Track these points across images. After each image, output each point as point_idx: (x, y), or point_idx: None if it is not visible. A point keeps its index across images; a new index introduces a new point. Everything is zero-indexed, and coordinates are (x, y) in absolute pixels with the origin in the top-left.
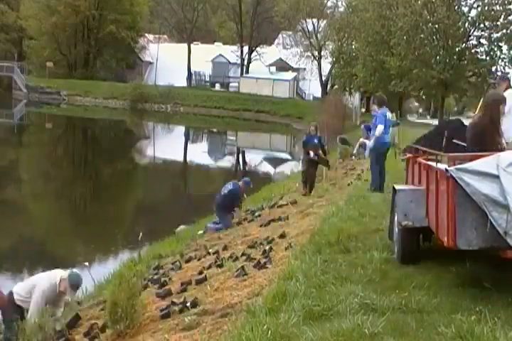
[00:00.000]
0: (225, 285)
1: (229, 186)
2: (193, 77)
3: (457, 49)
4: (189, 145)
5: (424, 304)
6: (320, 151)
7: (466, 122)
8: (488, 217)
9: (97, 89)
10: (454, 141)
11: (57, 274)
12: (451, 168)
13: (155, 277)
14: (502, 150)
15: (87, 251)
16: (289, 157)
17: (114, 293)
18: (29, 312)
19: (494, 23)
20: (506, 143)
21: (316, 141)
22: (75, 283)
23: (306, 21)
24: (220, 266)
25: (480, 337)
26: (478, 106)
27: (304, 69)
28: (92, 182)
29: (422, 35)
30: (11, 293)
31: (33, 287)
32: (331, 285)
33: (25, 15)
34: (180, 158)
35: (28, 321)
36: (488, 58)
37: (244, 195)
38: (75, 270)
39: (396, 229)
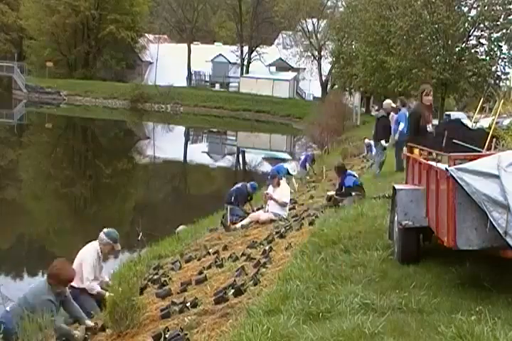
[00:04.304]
0: (225, 285)
1: (238, 185)
2: (193, 77)
3: (457, 49)
4: (189, 146)
5: (424, 304)
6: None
7: (466, 122)
8: (488, 217)
9: (97, 89)
10: (454, 141)
11: (94, 244)
12: (452, 167)
13: (155, 277)
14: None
15: None
16: (289, 157)
17: (114, 293)
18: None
19: (494, 23)
20: None
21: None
22: (116, 238)
23: (306, 21)
24: (220, 266)
25: (480, 337)
26: (479, 106)
27: (304, 69)
28: (92, 182)
29: (421, 35)
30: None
31: (80, 265)
32: (330, 285)
33: (25, 15)
34: (180, 158)
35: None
36: (488, 58)
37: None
38: (105, 230)
39: (396, 229)
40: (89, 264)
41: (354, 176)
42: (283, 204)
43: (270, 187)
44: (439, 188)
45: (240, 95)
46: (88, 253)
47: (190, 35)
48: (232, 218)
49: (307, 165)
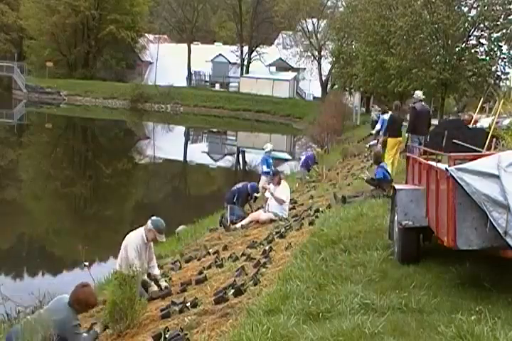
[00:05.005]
0: (225, 285)
1: (239, 185)
2: (193, 77)
3: (457, 49)
4: (189, 146)
5: (424, 304)
6: None
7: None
8: (488, 216)
9: (97, 89)
10: (454, 141)
11: (140, 229)
12: (452, 167)
13: None
14: None
15: (87, 251)
16: (289, 157)
17: (114, 292)
18: (126, 263)
19: (494, 23)
20: None
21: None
22: (161, 228)
23: (306, 21)
24: (220, 266)
25: (480, 337)
26: (479, 106)
27: (304, 69)
28: (92, 182)
29: (421, 35)
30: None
31: (125, 250)
32: (330, 285)
33: (25, 15)
34: (180, 158)
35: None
36: (488, 58)
37: (257, 195)
38: (154, 217)
39: (396, 229)
40: (133, 248)
41: (386, 170)
42: (280, 202)
43: (271, 186)
44: (439, 188)
45: (240, 95)
46: (132, 238)
47: (190, 35)
48: (232, 218)
49: (310, 164)
